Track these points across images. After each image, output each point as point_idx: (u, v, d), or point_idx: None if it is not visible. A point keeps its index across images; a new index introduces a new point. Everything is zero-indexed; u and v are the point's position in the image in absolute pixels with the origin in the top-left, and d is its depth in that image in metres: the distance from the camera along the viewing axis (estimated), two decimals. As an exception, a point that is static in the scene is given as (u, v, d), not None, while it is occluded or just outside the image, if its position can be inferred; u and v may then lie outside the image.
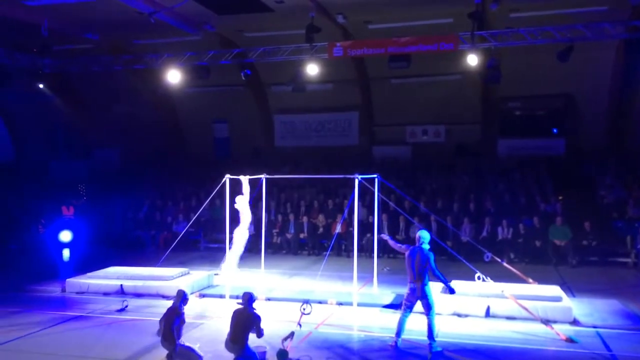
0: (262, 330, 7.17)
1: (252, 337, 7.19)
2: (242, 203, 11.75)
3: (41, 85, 19.75)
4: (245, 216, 11.76)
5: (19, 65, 18.13)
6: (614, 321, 9.57)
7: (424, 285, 8.27)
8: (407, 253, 8.46)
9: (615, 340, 8.70)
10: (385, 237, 9.81)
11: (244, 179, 11.89)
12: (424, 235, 8.46)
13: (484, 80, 17.57)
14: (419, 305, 8.40)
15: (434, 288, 10.71)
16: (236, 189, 16.96)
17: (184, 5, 15.29)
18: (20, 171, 24.11)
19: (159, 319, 7.43)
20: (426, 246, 8.39)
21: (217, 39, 19.11)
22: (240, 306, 7.28)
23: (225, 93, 22.87)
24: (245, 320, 7.14)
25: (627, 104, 19.98)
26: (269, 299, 11.18)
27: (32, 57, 18.20)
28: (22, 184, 22.59)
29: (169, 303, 7.59)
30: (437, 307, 9.71)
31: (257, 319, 7.18)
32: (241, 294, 7.52)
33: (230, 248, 11.56)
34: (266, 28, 18.05)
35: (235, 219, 11.85)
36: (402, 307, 8.47)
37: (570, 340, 8.60)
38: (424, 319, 8.32)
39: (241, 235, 11.66)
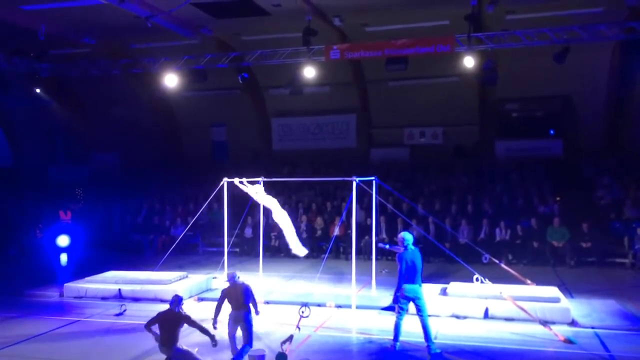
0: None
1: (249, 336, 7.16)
2: (259, 195, 12.03)
3: (38, 90, 19.74)
4: (270, 203, 12.00)
5: (17, 70, 18.14)
6: (612, 322, 9.58)
7: (419, 286, 8.26)
8: (403, 258, 8.30)
9: (613, 340, 8.71)
10: (382, 245, 9.65)
11: (243, 186, 11.92)
12: (409, 237, 8.42)
13: (481, 82, 17.62)
14: (412, 307, 8.37)
15: (432, 290, 10.78)
16: (234, 191, 16.93)
17: (181, 9, 15.32)
18: (18, 176, 24.10)
19: (146, 322, 7.43)
20: (412, 247, 8.37)
21: (214, 42, 19.14)
22: (227, 284, 8.17)
23: (222, 96, 22.90)
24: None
25: (624, 105, 20.03)
26: (267, 302, 11.17)
27: (29, 62, 18.21)
28: (21, 189, 22.58)
29: (167, 307, 7.58)
30: (435, 309, 9.77)
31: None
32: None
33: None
34: (263, 31, 18.08)
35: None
36: (397, 310, 8.45)
37: (568, 341, 8.61)
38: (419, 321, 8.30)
39: (281, 217, 11.89)
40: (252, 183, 12.22)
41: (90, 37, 18.46)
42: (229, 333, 8.09)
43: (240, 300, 8.03)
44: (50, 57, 18.97)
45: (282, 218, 11.87)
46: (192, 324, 7.32)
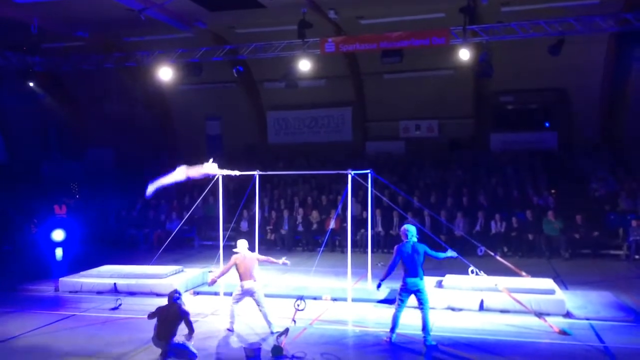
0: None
1: (246, 332, 7.17)
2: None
3: (31, 84, 19.59)
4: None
5: (10, 64, 18.00)
6: (607, 313, 9.61)
7: (420, 279, 8.27)
8: (400, 250, 8.34)
9: (608, 332, 8.75)
10: (380, 285, 8.62)
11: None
12: (412, 229, 8.43)
13: (476, 75, 17.62)
14: (411, 300, 8.39)
15: (428, 282, 10.79)
16: (230, 186, 16.88)
17: (175, 2, 15.23)
18: (12, 171, 23.95)
19: (148, 315, 7.46)
20: (415, 239, 8.37)
21: (209, 35, 19.04)
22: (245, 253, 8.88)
23: (217, 90, 22.80)
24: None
25: (619, 97, 20.06)
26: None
27: (22, 56, 18.07)
28: (15, 184, 22.43)
29: (163, 301, 7.57)
30: (431, 302, 9.77)
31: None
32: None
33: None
34: (258, 24, 17.99)
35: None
36: (396, 302, 8.45)
37: (563, 332, 8.65)
38: (417, 314, 8.32)
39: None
40: (247, 177, 12.14)
41: (84, 31, 18.31)
42: (234, 304, 8.89)
43: (250, 271, 8.76)
44: (43, 51, 18.83)
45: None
46: (187, 322, 7.26)
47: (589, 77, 19.82)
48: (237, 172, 11.52)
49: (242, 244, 9.11)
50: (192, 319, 7.35)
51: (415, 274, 8.25)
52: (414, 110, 22.07)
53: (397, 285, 8.65)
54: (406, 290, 8.29)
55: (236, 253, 8.99)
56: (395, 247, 8.45)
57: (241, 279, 8.86)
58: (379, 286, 8.55)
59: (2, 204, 20.41)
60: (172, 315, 7.24)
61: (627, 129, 20.01)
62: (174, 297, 7.38)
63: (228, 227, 13.38)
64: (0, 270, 14.65)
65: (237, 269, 8.87)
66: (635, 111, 19.52)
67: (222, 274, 9.10)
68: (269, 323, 8.81)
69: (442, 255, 8.61)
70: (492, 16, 16.14)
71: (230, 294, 9.08)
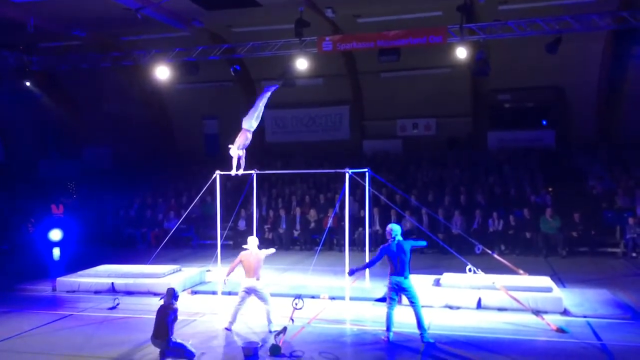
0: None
1: (244, 332, 7.17)
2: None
3: (28, 83, 19.55)
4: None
5: (6, 63, 17.96)
6: (604, 311, 9.62)
7: (405, 278, 8.26)
8: (385, 250, 8.30)
9: (605, 329, 8.76)
10: (353, 272, 8.96)
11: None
12: (396, 228, 8.44)
13: (473, 73, 17.63)
14: (405, 298, 8.40)
15: (426, 280, 10.82)
16: (227, 184, 16.87)
17: (172, 1, 15.21)
18: (9, 171, 23.92)
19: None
20: (400, 237, 8.38)
21: (206, 34, 19.02)
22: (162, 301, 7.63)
23: (215, 89, 22.79)
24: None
25: (616, 95, 20.09)
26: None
27: (19, 55, 18.04)
28: (12, 184, 22.41)
29: (160, 300, 7.58)
30: (429, 300, 9.81)
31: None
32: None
33: None
34: (255, 23, 17.98)
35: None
36: (387, 301, 8.45)
37: (560, 330, 8.65)
38: (412, 312, 8.33)
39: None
40: (245, 176, 12.16)
41: (81, 30, 18.27)
42: (238, 304, 8.79)
43: (253, 269, 8.73)
44: (40, 50, 18.79)
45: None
46: (169, 319, 7.24)
47: (586, 75, 19.85)
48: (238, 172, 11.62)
49: (252, 241, 9.12)
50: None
51: (400, 273, 8.23)
52: (411, 109, 22.08)
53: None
54: (393, 289, 8.32)
55: (245, 250, 9.01)
56: (381, 246, 8.44)
57: (245, 276, 8.88)
58: (351, 272, 8.99)
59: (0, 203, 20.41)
60: (163, 312, 7.30)
61: (625, 127, 20.07)
62: (164, 296, 7.44)
63: (226, 226, 13.38)
64: (-2, 270, 14.62)
65: (242, 266, 8.89)
66: (633, 109, 19.60)
67: (230, 271, 9.12)
68: (269, 322, 8.80)
69: (422, 243, 8.93)
70: (490, 14, 16.15)
71: (229, 293, 9.07)
